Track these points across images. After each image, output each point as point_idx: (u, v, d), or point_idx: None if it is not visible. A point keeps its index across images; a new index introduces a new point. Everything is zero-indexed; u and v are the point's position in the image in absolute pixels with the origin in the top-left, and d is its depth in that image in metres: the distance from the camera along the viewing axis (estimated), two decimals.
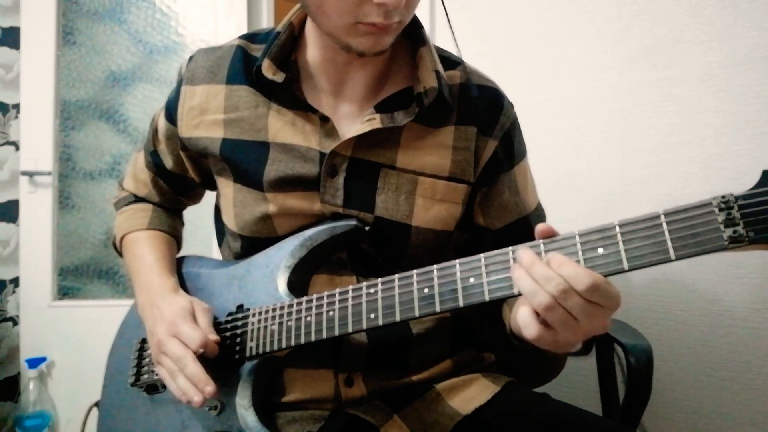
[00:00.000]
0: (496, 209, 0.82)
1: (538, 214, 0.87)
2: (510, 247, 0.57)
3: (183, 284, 0.85)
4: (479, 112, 0.80)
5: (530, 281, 0.53)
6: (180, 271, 0.88)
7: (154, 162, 0.92)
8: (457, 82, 0.81)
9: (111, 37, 2.09)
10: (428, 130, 0.78)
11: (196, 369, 0.68)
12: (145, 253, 0.86)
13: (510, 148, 0.82)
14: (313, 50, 0.79)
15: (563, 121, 1.40)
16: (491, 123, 0.80)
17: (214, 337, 0.72)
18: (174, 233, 0.94)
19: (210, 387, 0.67)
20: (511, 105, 0.84)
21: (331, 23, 0.69)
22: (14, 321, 2.11)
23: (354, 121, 0.78)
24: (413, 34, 0.80)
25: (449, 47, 0.85)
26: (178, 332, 0.71)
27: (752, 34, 1.13)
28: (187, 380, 0.69)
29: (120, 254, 0.94)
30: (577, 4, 1.38)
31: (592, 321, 0.52)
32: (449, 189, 0.78)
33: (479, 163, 0.80)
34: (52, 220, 2.05)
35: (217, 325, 0.76)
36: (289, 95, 0.78)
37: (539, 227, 0.56)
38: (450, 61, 0.82)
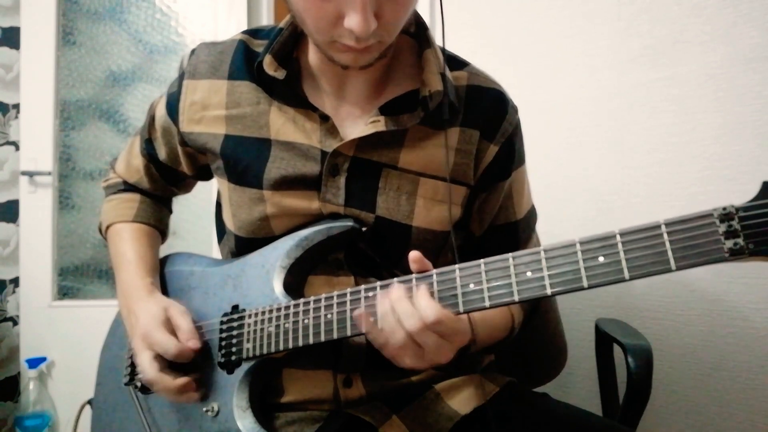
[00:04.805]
0: (488, 213, 0.83)
1: (528, 221, 0.87)
2: (510, 254, 0.57)
3: (175, 282, 0.85)
4: (483, 115, 0.79)
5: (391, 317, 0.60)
6: (172, 268, 0.88)
7: (148, 151, 0.92)
8: (463, 83, 0.81)
9: (111, 37, 2.09)
10: (433, 132, 0.78)
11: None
12: (125, 249, 0.87)
13: (511, 154, 0.82)
14: (312, 53, 0.78)
15: (563, 121, 1.40)
16: (494, 128, 0.79)
17: (193, 343, 0.73)
18: (159, 225, 0.94)
19: None
20: (515, 110, 0.83)
21: (313, 38, 0.70)
22: (14, 321, 2.11)
23: (356, 122, 0.77)
24: (418, 35, 0.80)
25: (449, 47, 0.84)
26: (152, 343, 0.73)
27: (752, 34, 1.13)
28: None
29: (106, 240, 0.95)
30: (577, 4, 1.38)
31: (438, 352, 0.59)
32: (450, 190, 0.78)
33: (479, 167, 0.79)
34: (52, 220, 2.05)
35: (213, 325, 0.76)
36: (291, 92, 0.78)
37: (412, 255, 0.62)
38: (456, 62, 0.82)
